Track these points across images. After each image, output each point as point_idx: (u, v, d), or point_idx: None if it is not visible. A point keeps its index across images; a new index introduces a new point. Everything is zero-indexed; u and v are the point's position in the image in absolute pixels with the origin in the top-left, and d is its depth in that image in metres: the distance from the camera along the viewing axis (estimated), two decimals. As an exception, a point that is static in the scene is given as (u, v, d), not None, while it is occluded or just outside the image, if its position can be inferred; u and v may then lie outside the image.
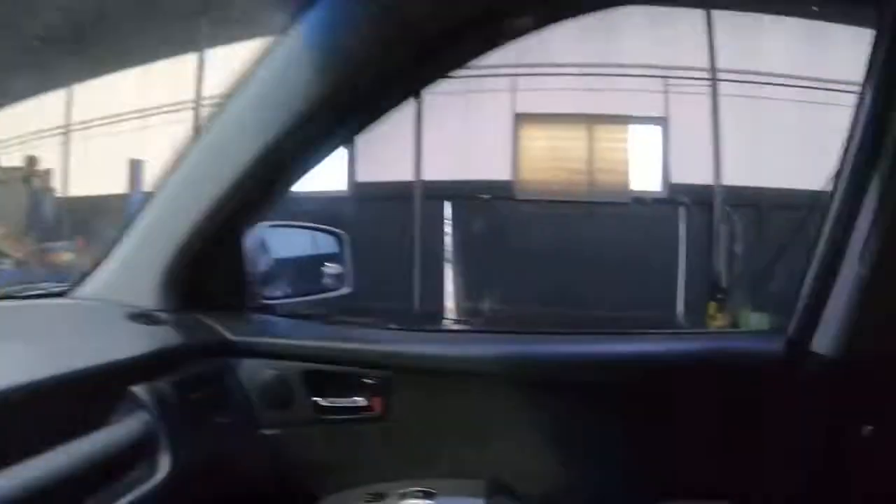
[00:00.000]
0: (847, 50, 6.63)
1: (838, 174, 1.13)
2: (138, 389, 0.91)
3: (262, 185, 1.12)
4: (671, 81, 7.35)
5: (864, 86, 1.08)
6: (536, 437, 1.21)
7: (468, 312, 6.98)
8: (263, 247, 1.37)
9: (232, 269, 1.23)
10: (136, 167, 7.27)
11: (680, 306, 7.06)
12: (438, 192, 7.16)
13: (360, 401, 1.20)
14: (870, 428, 1.12)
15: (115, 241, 1.17)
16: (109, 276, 1.17)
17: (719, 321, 6.76)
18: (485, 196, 7.08)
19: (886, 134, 1.04)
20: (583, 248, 6.73)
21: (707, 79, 7.27)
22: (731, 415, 1.19)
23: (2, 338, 0.90)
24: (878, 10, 1.04)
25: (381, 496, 1.16)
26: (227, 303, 1.24)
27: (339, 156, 7.24)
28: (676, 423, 1.20)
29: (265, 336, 1.23)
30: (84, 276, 1.19)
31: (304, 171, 1.18)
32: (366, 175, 7.37)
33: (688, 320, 6.97)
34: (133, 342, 1.02)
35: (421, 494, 1.14)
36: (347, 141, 1.27)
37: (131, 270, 1.16)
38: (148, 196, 1.16)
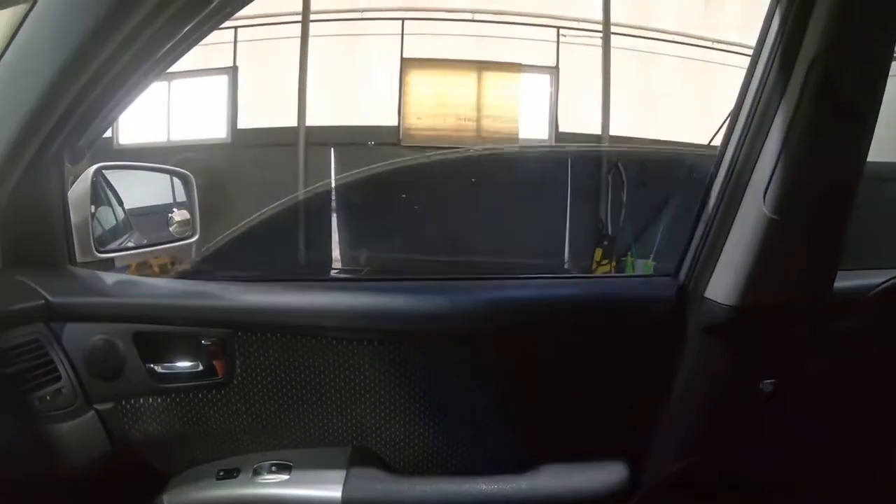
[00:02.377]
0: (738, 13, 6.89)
1: (733, 123, 1.07)
2: None
3: (74, 110, 0.96)
4: (563, 32, 7.36)
5: (769, 14, 1.03)
6: (402, 397, 1.12)
7: (354, 262, 6.87)
8: (96, 193, 1.20)
9: (54, 219, 1.09)
10: None
11: (567, 253, 7.19)
12: (323, 138, 6.95)
13: (197, 365, 1.09)
14: (769, 382, 1.07)
15: None
16: None
17: (605, 267, 6.93)
18: (370, 143, 6.93)
19: (794, 59, 0.98)
20: (470, 196, 6.71)
21: (599, 31, 7.32)
22: (620, 364, 1.12)
23: None
24: None
25: (233, 472, 1.08)
26: (50, 259, 1.09)
27: (220, 103, 6.93)
28: (560, 375, 1.12)
29: (90, 295, 1.09)
30: None
31: (131, 91, 1.01)
32: (248, 122, 7.06)
33: (574, 266, 7.10)
34: None
35: (276, 468, 1.07)
36: (173, 57, 1.10)
37: None
38: None
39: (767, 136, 1.03)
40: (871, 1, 0.96)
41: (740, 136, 1.08)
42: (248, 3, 1.10)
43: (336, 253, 7.01)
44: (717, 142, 1.17)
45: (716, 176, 1.12)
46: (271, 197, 6.57)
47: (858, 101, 0.99)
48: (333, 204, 6.95)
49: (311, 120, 6.84)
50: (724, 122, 1.14)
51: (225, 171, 6.28)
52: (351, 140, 6.92)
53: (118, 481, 1.10)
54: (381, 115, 7.02)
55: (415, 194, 6.57)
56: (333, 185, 6.99)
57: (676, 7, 7.52)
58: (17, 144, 0.95)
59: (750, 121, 1.06)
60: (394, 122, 7.06)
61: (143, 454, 1.12)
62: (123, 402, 1.09)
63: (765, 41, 1.05)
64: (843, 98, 0.98)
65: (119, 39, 0.92)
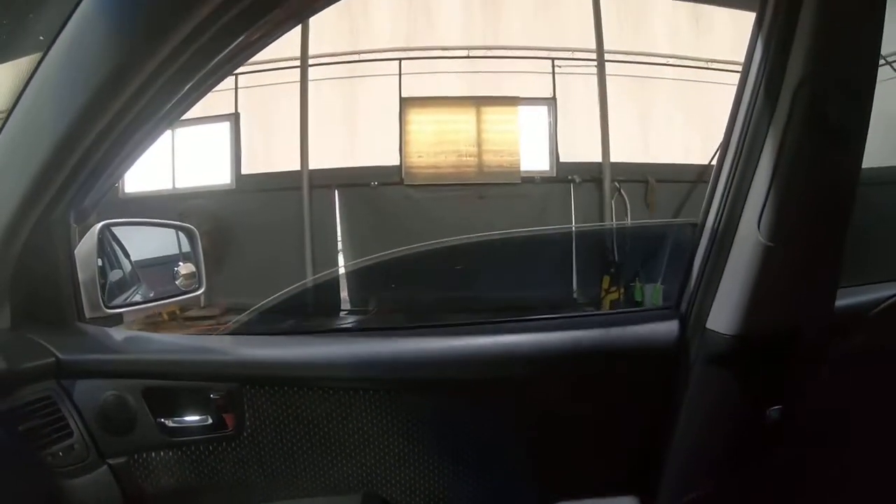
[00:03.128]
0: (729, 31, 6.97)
1: (724, 152, 1.08)
2: None
3: (81, 172, 0.99)
4: (558, 63, 7.45)
5: (757, 24, 1.04)
6: (410, 444, 1.12)
7: (363, 303, 6.87)
8: (102, 249, 1.22)
9: (62, 277, 1.11)
10: None
11: (575, 283, 7.17)
12: (326, 180, 7.02)
13: (207, 418, 1.09)
14: (776, 409, 1.06)
15: None
16: None
17: (614, 295, 6.90)
18: (373, 183, 6.99)
19: (780, 86, 0.99)
20: (476, 232, 6.73)
21: (593, 60, 7.40)
22: (626, 400, 1.12)
23: None
24: None
25: None
26: (59, 316, 1.11)
27: (223, 149, 7.02)
28: (566, 415, 1.12)
29: (99, 353, 1.11)
30: None
31: (136, 150, 1.04)
32: (251, 167, 7.15)
33: (583, 296, 7.08)
34: None
35: None
36: (176, 113, 1.13)
37: None
38: None
39: (758, 163, 1.03)
40: (851, 23, 0.97)
41: (731, 165, 1.08)
42: (247, 60, 1.12)
43: (343, 294, 7.02)
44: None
45: (710, 206, 1.13)
46: (278, 241, 6.63)
47: (846, 122, 0.99)
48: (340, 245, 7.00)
49: (315, 163, 6.92)
50: (717, 150, 1.15)
51: (230, 217, 6.34)
52: (354, 181, 6.98)
53: None
54: (383, 155, 7.08)
55: (423, 233, 6.61)
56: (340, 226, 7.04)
57: (667, 31, 7.61)
58: (25, 205, 0.98)
59: (740, 149, 1.06)
60: (396, 162, 7.12)
61: None
62: (135, 457, 1.10)
63: (749, 68, 1.05)
64: (830, 121, 0.98)
65: (124, 99, 0.95)
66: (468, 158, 7.20)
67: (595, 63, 7.39)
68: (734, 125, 1.08)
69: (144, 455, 1.10)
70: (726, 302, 1.07)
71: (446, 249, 6.57)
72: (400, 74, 7.12)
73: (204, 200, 6.54)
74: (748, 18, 1.08)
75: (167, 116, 1.09)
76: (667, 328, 1.15)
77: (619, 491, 1.16)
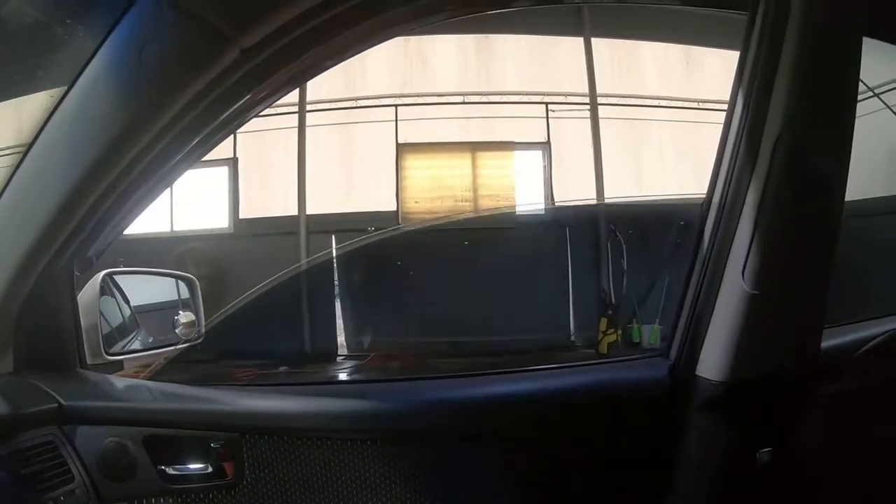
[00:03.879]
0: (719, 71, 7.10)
1: (708, 203, 1.12)
2: None
3: (88, 223, 1.02)
4: (552, 107, 7.57)
5: (736, 81, 1.08)
6: (406, 493, 1.13)
7: (361, 348, 6.85)
8: (110, 296, 1.25)
9: (65, 324, 1.13)
10: None
11: (572, 325, 7.17)
12: (323, 225, 7.06)
13: (207, 467, 1.11)
14: (766, 451, 1.08)
15: None
16: None
17: (611, 337, 6.90)
18: (370, 228, 7.03)
19: (760, 139, 1.03)
20: (473, 276, 6.75)
21: (586, 104, 7.53)
22: (618, 449, 1.13)
23: None
24: (748, 22, 1.04)
25: None
26: (61, 362, 1.13)
27: (221, 193, 7.08)
28: (562, 464, 1.14)
29: (101, 400, 1.13)
30: None
31: (141, 203, 1.07)
32: (249, 211, 7.20)
33: (580, 338, 7.07)
34: None
35: None
36: (192, 161, 1.17)
37: None
38: None
39: (741, 213, 1.06)
40: (827, 78, 1.01)
41: (716, 215, 1.11)
42: (249, 119, 1.16)
43: (341, 339, 7.00)
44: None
45: (696, 255, 1.16)
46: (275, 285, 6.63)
47: (825, 172, 1.03)
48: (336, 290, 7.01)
49: (312, 208, 6.97)
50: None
51: (228, 260, 6.36)
52: (351, 226, 7.02)
53: None
54: (380, 200, 7.14)
55: (419, 277, 6.62)
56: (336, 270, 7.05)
57: (659, 73, 7.74)
58: (32, 253, 1.01)
59: (724, 200, 1.10)
60: (392, 207, 7.18)
61: None
62: (135, 503, 1.11)
63: (731, 123, 1.09)
64: (809, 172, 1.02)
65: (132, 155, 0.99)
66: (464, 203, 7.27)
67: (588, 107, 7.52)
68: (717, 178, 1.12)
69: (144, 501, 1.11)
70: (715, 348, 1.10)
71: (443, 291, 6.59)
72: (396, 120, 7.23)
73: (202, 244, 6.57)
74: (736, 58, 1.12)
75: (173, 170, 1.13)
76: (657, 375, 1.18)
77: None
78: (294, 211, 6.95)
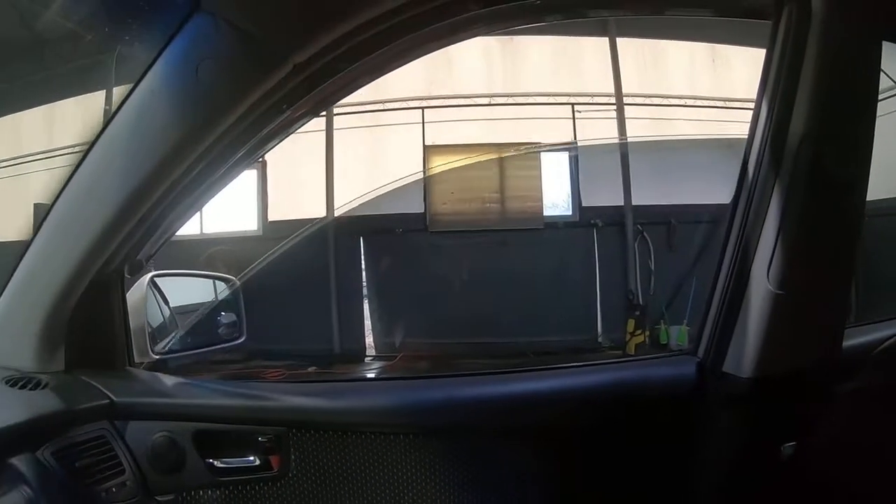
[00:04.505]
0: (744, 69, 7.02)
1: (734, 206, 1.15)
2: (18, 461, 0.88)
3: (140, 229, 1.08)
4: (578, 107, 7.55)
5: (761, 86, 1.11)
6: (443, 486, 1.16)
7: (389, 349, 6.89)
8: (154, 298, 1.30)
9: (115, 324, 1.18)
10: (41, 211, 6.92)
11: (600, 327, 7.15)
12: (351, 227, 7.12)
13: (254, 460, 1.15)
14: (790, 445, 1.11)
15: None
16: None
17: (639, 338, 6.87)
18: (398, 230, 7.07)
19: (784, 143, 1.06)
20: (500, 277, 6.76)
21: (612, 104, 7.49)
22: (647, 444, 1.17)
23: None
24: (772, 29, 1.08)
25: None
26: (111, 360, 1.18)
27: (250, 195, 7.15)
28: (590, 457, 1.17)
29: (151, 396, 1.18)
30: None
31: (190, 210, 1.12)
32: (277, 213, 7.27)
33: (608, 340, 7.05)
34: (11, 410, 0.96)
35: None
36: (238, 172, 1.22)
37: (8, 330, 1.10)
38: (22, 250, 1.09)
39: (766, 214, 1.09)
40: (849, 83, 1.04)
41: (742, 217, 1.14)
42: (295, 130, 1.20)
43: (369, 339, 7.06)
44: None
45: (723, 256, 1.19)
46: (304, 287, 6.70)
47: (847, 176, 1.06)
48: (365, 292, 7.06)
49: (340, 210, 7.03)
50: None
51: (257, 262, 6.43)
52: (379, 229, 7.06)
53: None
54: (407, 202, 7.18)
55: (448, 279, 6.65)
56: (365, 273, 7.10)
57: (684, 72, 7.66)
58: (87, 259, 1.06)
59: (750, 201, 1.13)
60: (420, 209, 7.21)
61: None
62: (183, 494, 1.15)
63: (756, 124, 1.12)
64: (832, 176, 1.04)
65: (184, 167, 1.03)
66: (492, 205, 7.28)
67: (615, 107, 7.48)
68: (743, 180, 1.15)
69: (192, 493, 1.15)
70: (741, 346, 1.13)
71: (470, 293, 6.61)
72: (423, 123, 7.26)
73: (231, 246, 6.65)
74: (762, 55, 1.14)
75: (222, 178, 1.17)
76: (686, 372, 1.21)
77: None
78: (322, 213, 7.01)
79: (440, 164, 7.30)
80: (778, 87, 1.07)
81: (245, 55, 0.96)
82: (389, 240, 7.06)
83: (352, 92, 1.18)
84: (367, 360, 6.93)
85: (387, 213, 7.07)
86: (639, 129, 7.46)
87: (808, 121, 1.04)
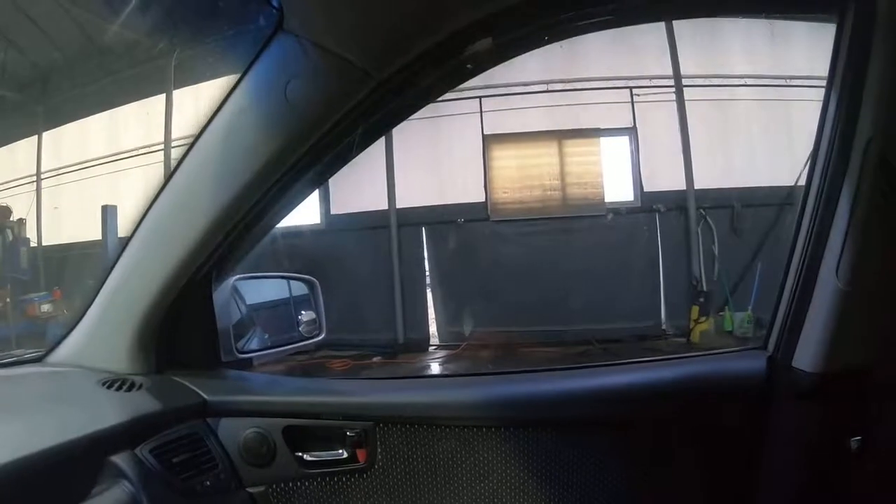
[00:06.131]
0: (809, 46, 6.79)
1: (804, 203, 1.16)
2: (118, 459, 0.94)
3: (229, 238, 1.13)
4: (637, 91, 7.43)
5: (828, 86, 1.11)
6: (525, 479, 1.20)
7: (453, 338, 6.95)
8: (235, 300, 1.35)
9: (204, 326, 1.24)
10: (108, 213, 7.21)
11: (663, 314, 7.07)
12: (413, 219, 7.17)
13: (342, 453, 1.20)
14: (857, 439, 1.12)
15: (87, 304, 1.17)
16: (82, 340, 1.18)
17: (703, 325, 6.78)
18: (459, 220, 7.10)
19: (852, 143, 1.06)
20: (562, 265, 6.74)
21: (671, 86, 7.35)
22: (717, 437, 1.19)
23: None
24: (836, 29, 1.07)
25: None
26: (201, 361, 1.24)
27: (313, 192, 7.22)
28: (663, 450, 1.20)
29: (242, 394, 1.24)
30: (59, 339, 1.20)
31: (275, 219, 1.18)
32: (340, 207, 7.36)
33: (671, 327, 6.98)
34: (109, 410, 1.02)
35: None
36: (318, 183, 1.27)
37: (102, 333, 1.17)
38: (114, 256, 1.15)
39: (835, 213, 1.09)
40: None
41: (811, 215, 1.14)
42: (375, 141, 1.22)
43: (432, 329, 7.14)
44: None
45: (793, 252, 1.19)
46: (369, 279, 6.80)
47: None
48: (428, 282, 7.12)
49: (401, 202, 7.09)
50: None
51: (321, 255, 6.55)
52: (441, 219, 7.10)
53: None
54: (468, 192, 7.19)
55: (510, 267, 6.66)
56: (428, 263, 7.16)
57: (743, 50, 7.44)
58: (179, 267, 1.12)
59: (818, 201, 1.13)
60: (481, 199, 7.22)
61: None
62: (274, 486, 1.20)
63: (824, 122, 1.11)
64: None
65: (274, 179, 1.07)
66: (552, 192, 7.24)
67: (674, 89, 7.34)
68: (812, 176, 1.15)
69: (282, 485, 1.21)
70: (811, 341, 1.14)
71: (533, 281, 6.61)
72: (481, 112, 7.24)
73: (296, 240, 6.78)
74: (825, 29, 1.13)
75: (306, 188, 1.22)
76: (756, 366, 1.22)
77: None
78: (383, 206, 7.08)
79: (499, 153, 7.28)
80: (845, 87, 1.06)
81: (329, 74, 1.00)
82: (451, 230, 7.10)
83: (433, 101, 1.20)
84: (430, 349, 7.00)
85: (447, 203, 7.11)
86: (699, 111, 7.31)
87: (876, 120, 1.03)
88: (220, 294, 1.26)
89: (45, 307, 7.56)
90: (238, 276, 1.35)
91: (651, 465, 1.20)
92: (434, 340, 7.09)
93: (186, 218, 1.10)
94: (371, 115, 1.08)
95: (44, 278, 8.03)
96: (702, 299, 6.92)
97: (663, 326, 7.02)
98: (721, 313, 6.84)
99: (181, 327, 1.20)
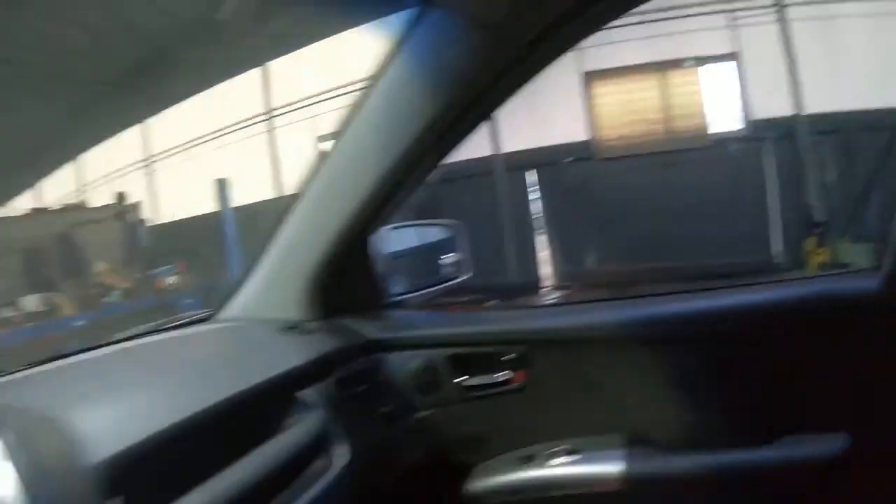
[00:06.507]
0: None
1: None
2: (305, 394, 1.04)
3: (391, 193, 1.20)
4: (737, 15, 7.12)
5: None
6: (661, 391, 1.26)
7: (563, 278, 7.00)
8: (390, 247, 1.45)
9: (365, 273, 1.33)
10: (221, 186, 7.51)
11: (777, 246, 6.91)
12: (519, 163, 7.17)
13: (504, 375, 1.29)
14: None
15: (255, 262, 1.27)
16: (253, 294, 1.27)
17: (820, 256, 6.59)
18: (566, 160, 7.06)
19: None
20: (672, 199, 6.65)
21: (773, 5, 7.01)
22: (834, 356, 1.20)
23: (169, 368, 0.99)
24: None
25: (530, 458, 1.28)
26: (364, 305, 1.34)
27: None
28: (783, 366, 1.22)
29: (405, 330, 1.34)
30: (225, 299, 1.29)
31: (428, 173, 1.26)
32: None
33: (787, 259, 6.82)
34: (291, 353, 1.11)
35: (566, 453, 1.26)
36: (463, 139, 1.33)
37: (275, 286, 1.26)
38: (281, 216, 1.24)
39: None
40: None
41: None
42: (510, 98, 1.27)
43: (543, 270, 7.19)
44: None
45: None
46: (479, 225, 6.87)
47: None
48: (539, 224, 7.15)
49: (507, 146, 7.09)
50: None
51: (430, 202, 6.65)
52: (548, 161, 7.08)
53: (433, 472, 1.31)
54: (571, 131, 7.12)
55: (619, 205, 6.61)
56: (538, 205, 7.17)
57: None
58: (346, 223, 1.20)
59: None
60: (585, 137, 7.14)
61: (455, 450, 1.34)
62: (440, 410, 1.31)
63: None
64: None
65: (432, 142, 1.14)
66: (657, 125, 7.09)
67: (774, 9, 6.99)
68: None
69: (447, 408, 1.31)
70: None
71: (641, 217, 6.56)
72: (579, 49, 7.08)
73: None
74: None
75: (454, 149, 1.28)
76: (870, 287, 1.19)
77: (830, 430, 1.22)
78: (486, 152, 7.09)
79: (600, 89, 7.15)
80: None
81: (480, 42, 1.06)
82: (559, 170, 7.07)
83: (570, 50, 1.23)
84: (542, 290, 7.08)
85: (554, 144, 7.07)
86: (804, 32, 6.96)
87: None
88: (378, 243, 1.35)
89: (172, 279, 8.07)
90: (392, 225, 1.44)
91: (773, 376, 1.23)
92: (546, 282, 7.16)
93: (352, 179, 1.19)
94: (517, 74, 1.12)
95: (165, 253, 8.45)
96: (818, 230, 6.71)
97: (777, 259, 6.87)
98: (838, 244, 6.63)
99: (346, 275, 1.28)
